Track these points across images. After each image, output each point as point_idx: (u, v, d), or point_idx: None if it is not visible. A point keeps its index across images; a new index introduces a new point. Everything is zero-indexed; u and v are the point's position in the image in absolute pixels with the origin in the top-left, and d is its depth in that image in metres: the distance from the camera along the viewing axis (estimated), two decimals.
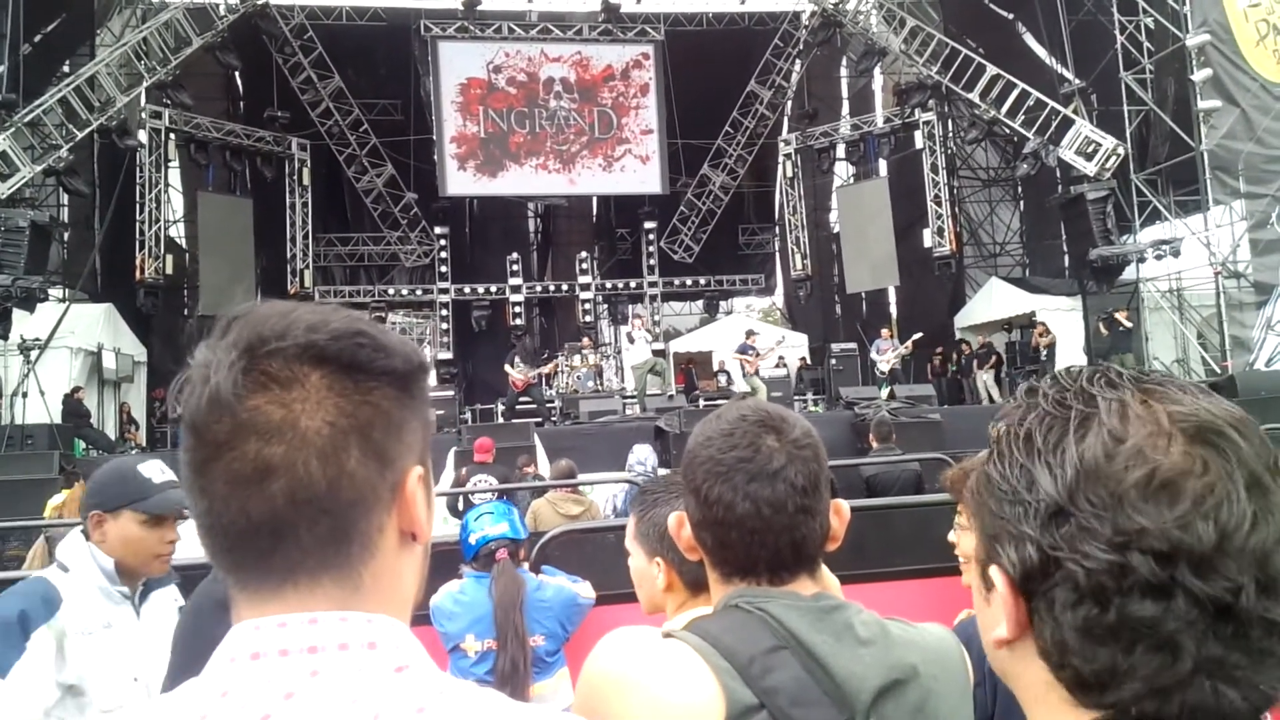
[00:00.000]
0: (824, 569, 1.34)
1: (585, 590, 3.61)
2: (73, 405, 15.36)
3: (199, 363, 0.80)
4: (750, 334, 17.72)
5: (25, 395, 14.49)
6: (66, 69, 17.88)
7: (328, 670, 0.75)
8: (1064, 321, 18.36)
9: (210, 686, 0.76)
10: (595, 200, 26.93)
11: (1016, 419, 0.77)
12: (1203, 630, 0.66)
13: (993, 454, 0.78)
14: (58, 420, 14.77)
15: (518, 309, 23.20)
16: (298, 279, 22.36)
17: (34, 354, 14.66)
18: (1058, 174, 19.52)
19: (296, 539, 0.77)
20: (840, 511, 1.35)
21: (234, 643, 0.78)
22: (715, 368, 20.91)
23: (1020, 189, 23.90)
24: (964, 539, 2.62)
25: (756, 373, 16.96)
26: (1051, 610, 0.72)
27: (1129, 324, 16.26)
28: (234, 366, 0.77)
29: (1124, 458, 0.69)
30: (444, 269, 23.13)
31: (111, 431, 17.16)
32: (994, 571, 0.76)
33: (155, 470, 2.48)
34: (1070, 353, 17.47)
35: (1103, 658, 0.69)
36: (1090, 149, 17.18)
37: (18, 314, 14.74)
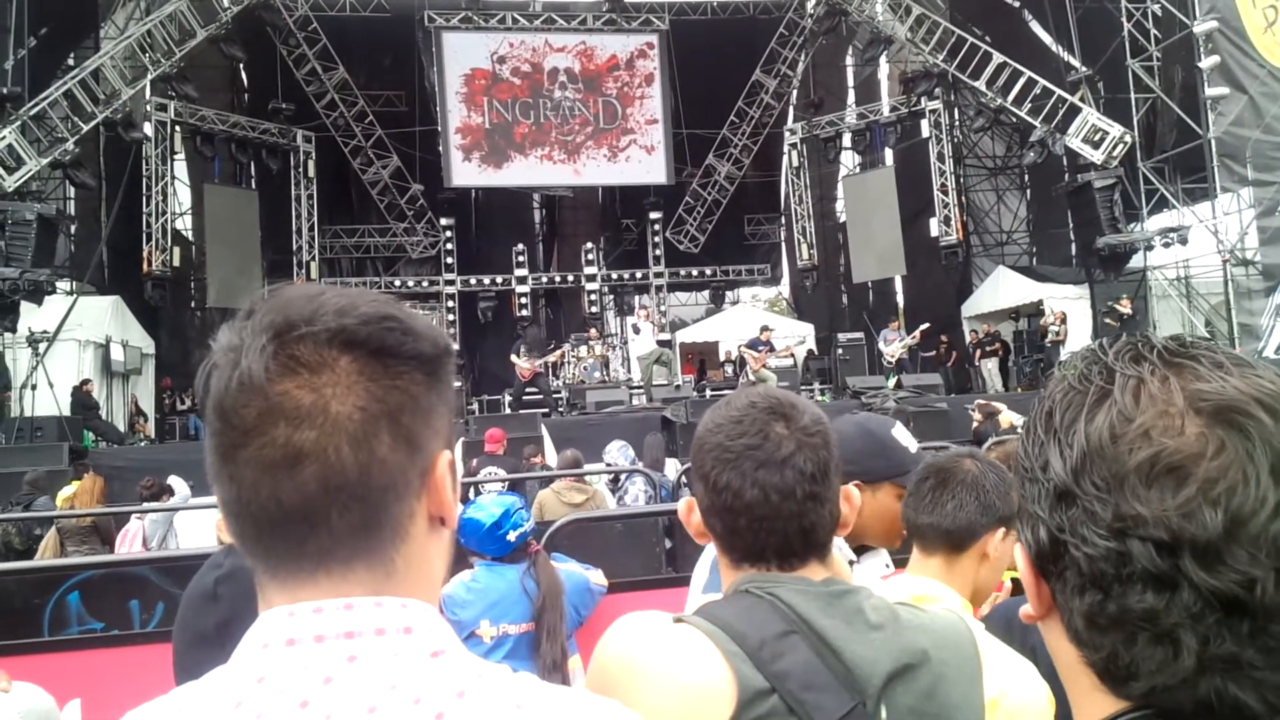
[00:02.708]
0: (835, 555, 1.34)
1: (597, 577, 3.63)
2: (81, 397, 15.41)
3: (224, 346, 0.79)
4: (765, 329, 17.59)
5: (34, 388, 14.56)
6: (71, 62, 17.89)
7: (365, 655, 0.75)
8: (1071, 310, 18.32)
9: (244, 672, 0.76)
10: (600, 191, 26.87)
11: (1047, 393, 0.76)
12: (1213, 625, 0.62)
13: (1023, 428, 0.78)
14: (67, 412, 14.81)
15: (524, 300, 23.18)
16: (304, 271, 22.38)
17: (42, 347, 14.71)
18: (1064, 162, 19.44)
19: (329, 526, 0.77)
20: (850, 498, 1.36)
21: (266, 628, 0.77)
22: (722, 358, 20.93)
23: (1027, 177, 23.83)
24: None
25: (764, 366, 16.93)
26: (1064, 593, 0.70)
27: (1129, 311, 16.21)
28: (264, 350, 0.76)
29: (1129, 439, 0.66)
30: (450, 260, 23.13)
31: (120, 423, 17.22)
32: (1017, 549, 0.76)
33: (907, 437, 2.30)
34: (1077, 342, 17.43)
35: (1107, 648, 0.67)
36: (1097, 137, 17.12)
37: (26, 307, 14.78)
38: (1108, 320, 16.33)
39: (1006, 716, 1.45)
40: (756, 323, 18.56)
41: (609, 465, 8.07)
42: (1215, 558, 0.62)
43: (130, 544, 7.61)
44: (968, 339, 21.03)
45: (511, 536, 3.39)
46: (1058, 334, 17.50)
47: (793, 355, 19.44)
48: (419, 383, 0.81)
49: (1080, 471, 0.68)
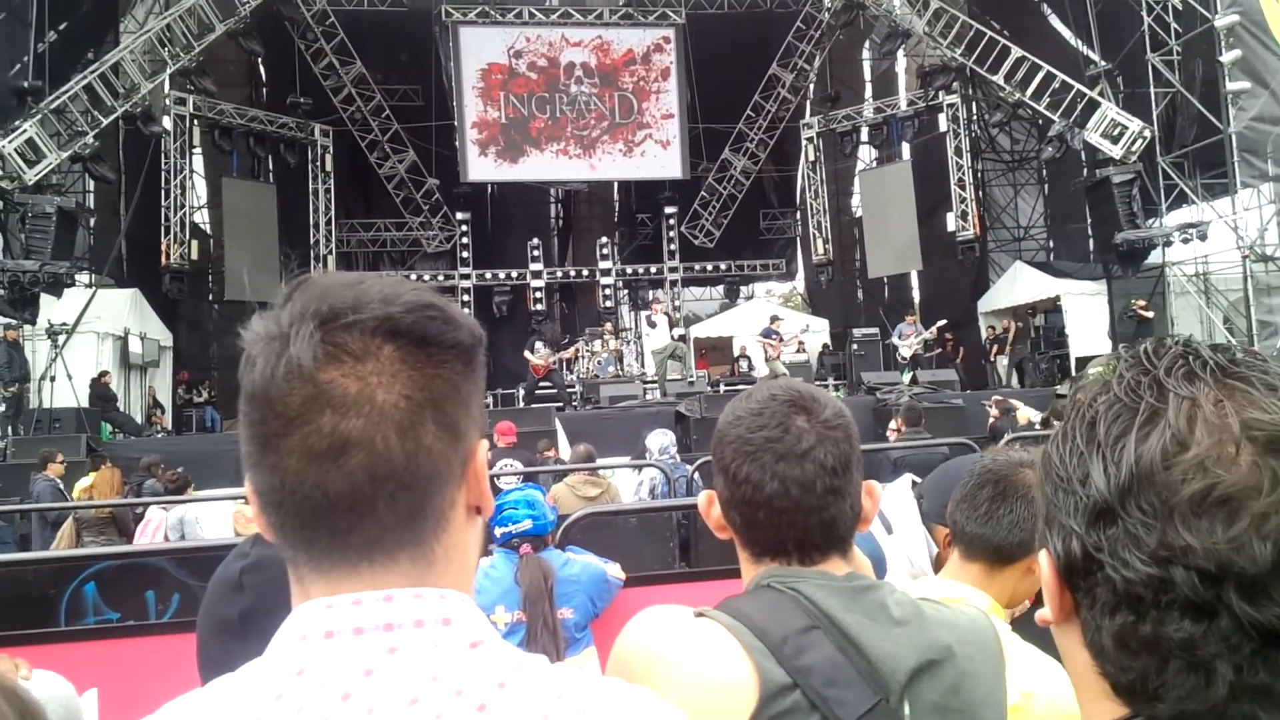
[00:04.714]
0: (856, 550, 1.33)
1: (615, 570, 3.64)
2: (100, 389, 15.52)
3: (264, 333, 0.78)
4: (775, 319, 17.69)
5: (53, 379, 14.66)
6: (91, 56, 17.98)
7: (405, 647, 0.75)
8: (1088, 306, 18.22)
9: (283, 665, 0.75)
10: (616, 186, 26.86)
11: (1088, 399, 0.73)
12: (1249, 655, 0.61)
13: (1057, 432, 0.75)
14: (85, 404, 14.92)
15: (538, 294, 23.23)
16: (321, 264, 22.45)
17: (61, 339, 14.81)
18: (1083, 157, 19.31)
19: (375, 516, 0.77)
20: (872, 493, 1.34)
21: (304, 620, 0.77)
22: (736, 353, 20.91)
23: (1045, 172, 23.69)
24: None
25: (778, 358, 16.95)
26: (1092, 609, 0.69)
27: (1148, 314, 16.11)
28: (312, 337, 0.76)
29: (1182, 468, 0.64)
30: (465, 254, 23.20)
31: (138, 415, 17.33)
32: (1042, 556, 0.74)
33: None
34: (1094, 338, 17.35)
35: (1136, 670, 0.66)
36: (1116, 131, 16.97)
37: (45, 299, 14.88)
38: (1130, 318, 16.26)
39: (1036, 718, 1.43)
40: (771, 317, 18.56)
41: (648, 453, 8.07)
42: (1261, 591, 0.61)
43: (153, 537, 7.64)
44: (984, 335, 20.95)
45: (498, 533, 3.43)
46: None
47: (802, 346, 19.46)
48: (459, 372, 0.81)
49: (1127, 493, 0.66)
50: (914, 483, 2.56)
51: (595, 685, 0.78)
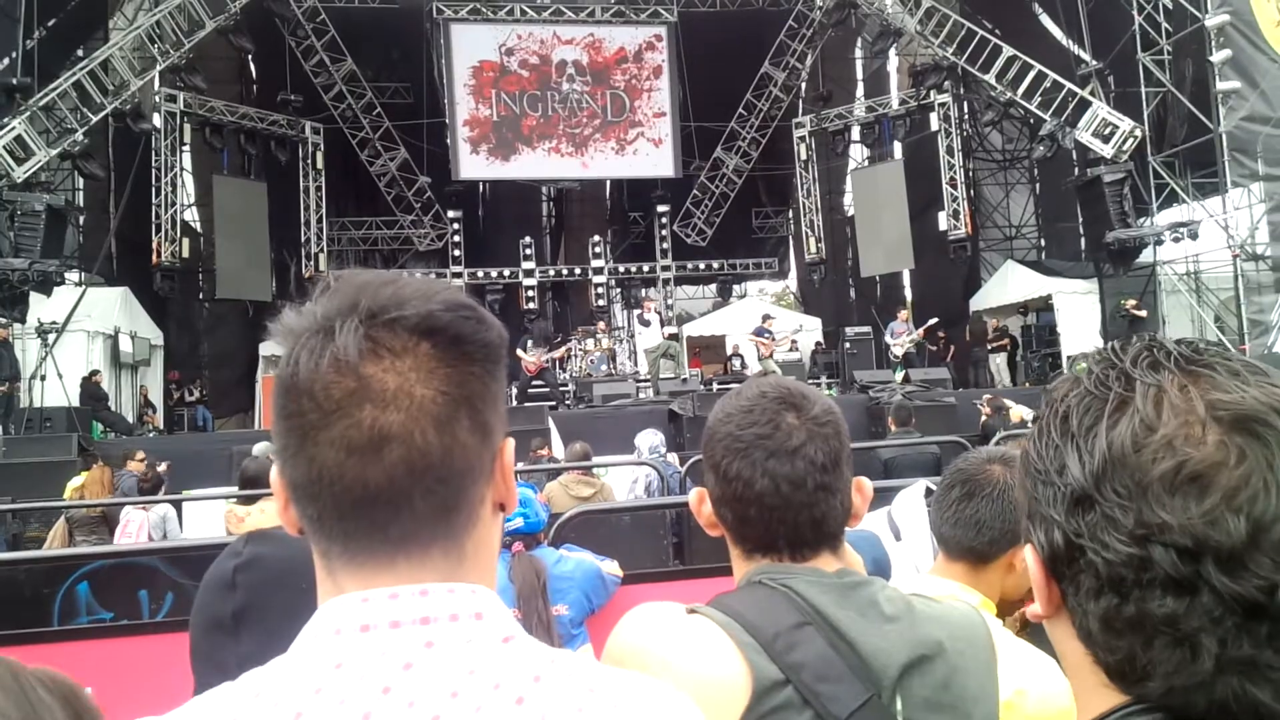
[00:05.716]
0: (847, 546, 1.34)
1: (611, 567, 3.64)
2: (90, 388, 15.46)
3: (298, 328, 0.80)
4: (767, 318, 17.70)
5: (43, 378, 14.59)
6: (80, 53, 17.89)
7: (442, 641, 0.76)
8: (1080, 305, 18.26)
9: (320, 658, 0.76)
10: (608, 184, 26.85)
11: (1060, 395, 0.75)
12: (1232, 629, 0.63)
13: (1034, 429, 0.77)
14: (76, 403, 14.87)
15: (531, 293, 23.21)
16: (312, 262, 22.41)
17: (51, 337, 14.74)
18: (1074, 156, 19.36)
19: (412, 508, 0.78)
20: (862, 489, 1.35)
21: (338, 614, 0.78)
22: (729, 352, 20.92)
23: (1036, 171, 23.74)
24: None
25: (770, 356, 16.96)
26: (1077, 596, 0.70)
27: (1142, 313, 16.16)
28: (356, 331, 0.77)
29: (1152, 449, 0.67)
30: (457, 253, 23.16)
31: (129, 414, 17.28)
32: (1027, 551, 0.76)
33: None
34: (1086, 337, 17.39)
35: (1123, 650, 0.68)
36: (1107, 131, 17.02)
37: (35, 298, 14.81)
38: (1122, 317, 16.33)
39: (1029, 717, 1.44)
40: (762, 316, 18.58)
41: (638, 452, 8.08)
42: (1238, 564, 0.63)
43: (136, 537, 7.59)
44: (973, 334, 20.97)
45: None
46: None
47: (794, 344, 19.48)
48: (488, 370, 0.83)
49: (1102, 478, 0.68)
50: (928, 490, 2.55)
51: (624, 680, 0.80)
